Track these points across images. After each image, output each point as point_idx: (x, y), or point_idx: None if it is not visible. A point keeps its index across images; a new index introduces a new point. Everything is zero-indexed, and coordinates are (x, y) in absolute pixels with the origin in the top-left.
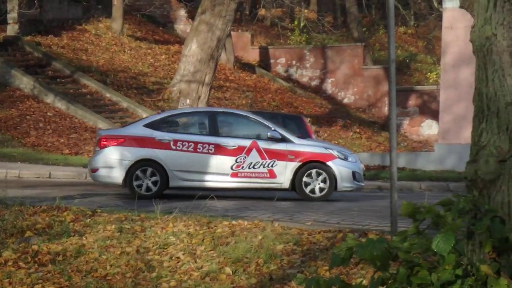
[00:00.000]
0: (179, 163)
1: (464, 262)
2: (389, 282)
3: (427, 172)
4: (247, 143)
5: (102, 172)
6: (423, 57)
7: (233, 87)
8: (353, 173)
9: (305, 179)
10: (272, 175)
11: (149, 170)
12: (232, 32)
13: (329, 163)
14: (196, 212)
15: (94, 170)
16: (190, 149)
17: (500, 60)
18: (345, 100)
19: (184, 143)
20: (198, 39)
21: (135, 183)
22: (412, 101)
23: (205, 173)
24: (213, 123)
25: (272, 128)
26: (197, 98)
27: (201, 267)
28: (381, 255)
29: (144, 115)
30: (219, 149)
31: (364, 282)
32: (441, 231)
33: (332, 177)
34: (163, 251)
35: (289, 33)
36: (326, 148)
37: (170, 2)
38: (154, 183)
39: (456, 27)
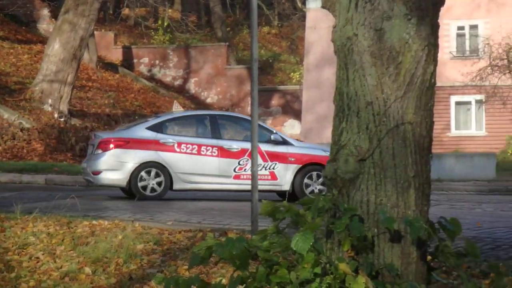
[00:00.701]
0: (183, 165)
1: (323, 260)
2: (249, 281)
3: None
4: (249, 145)
5: (105, 175)
6: (287, 57)
7: (95, 87)
8: None
9: (305, 181)
10: (273, 177)
11: (154, 171)
12: (95, 32)
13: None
14: (57, 212)
15: (96, 173)
16: (194, 151)
17: (361, 60)
18: (208, 100)
19: (188, 146)
20: (61, 38)
21: (139, 185)
22: (275, 101)
23: (208, 175)
24: (214, 126)
25: (274, 131)
26: (59, 98)
27: (61, 267)
28: (241, 254)
29: (5, 115)
30: (222, 152)
31: (224, 281)
32: (300, 230)
33: None
34: (23, 251)
35: (153, 33)
36: (324, 150)
37: (33, 1)
38: (159, 184)
39: (319, 27)
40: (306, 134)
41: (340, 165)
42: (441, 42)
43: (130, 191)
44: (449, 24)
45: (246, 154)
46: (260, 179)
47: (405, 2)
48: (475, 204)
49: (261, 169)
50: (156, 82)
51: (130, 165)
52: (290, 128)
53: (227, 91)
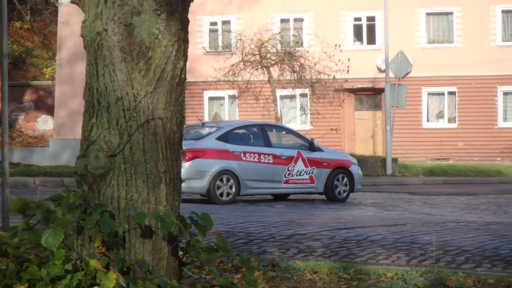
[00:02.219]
0: (248, 172)
1: (73, 257)
2: None
3: (42, 168)
4: (294, 153)
5: (188, 184)
6: (40, 52)
7: None
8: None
9: (335, 183)
10: (312, 181)
11: (226, 179)
12: None
13: (350, 168)
14: None
15: None
16: (255, 159)
17: (110, 55)
18: None
19: (250, 154)
20: None
21: (217, 192)
22: (28, 96)
23: (265, 181)
24: (265, 135)
25: (310, 139)
26: None
27: None
28: None
29: None
30: (275, 159)
31: None
32: (50, 227)
33: (352, 181)
34: None
35: None
36: (345, 156)
37: None
38: (229, 191)
39: (71, 22)
40: (59, 129)
41: (90, 161)
42: (194, 37)
43: (209, 198)
44: (202, 20)
45: (293, 161)
46: (302, 183)
47: None
48: None
49: (303, 174)
50: None
51: (209, 174)
52: (43, 123)
53: None
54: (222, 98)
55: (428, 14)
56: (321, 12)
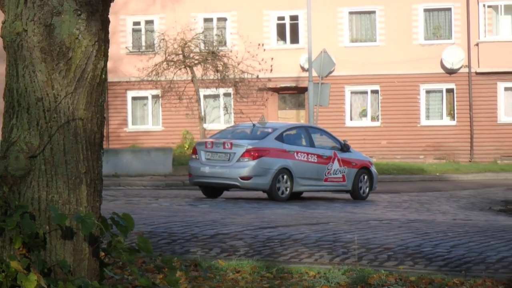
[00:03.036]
0: (299, 170)
1: None
2: None
3: None
4: (331, 153)
5: (254, 180)
6: None
7: None
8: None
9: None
10: (344, 179)
11: (285, 176)
12: None
13: (370, 168)
14: None
15: (246, 178)
16: (304, 158)
17: (30, 56)
18: None
19: (301, 154)
20: None
21: (277, 188)
22: None
23: (311, 178)
24: (309, 136)
25: (342, 141)
26: None
27: None
28: None
29: None
30: (319, 158)
31: None
32: None
33: (371, 180)
34: None
35: None
36: (366, 157)
37: None
38: (286, 188)
39: None
40: None
41: (10, 162)
42: (117, 37)
43: (270, 194)
44: (125, 20)
45: (331, 161)
46: (337, 181)
47: None
48: (151, 199)
49: (338, 173)
50: None
51: (272, 171)
52: None
53: None
54: (145, 98)
55: (351, 13)
56: (244, 11)
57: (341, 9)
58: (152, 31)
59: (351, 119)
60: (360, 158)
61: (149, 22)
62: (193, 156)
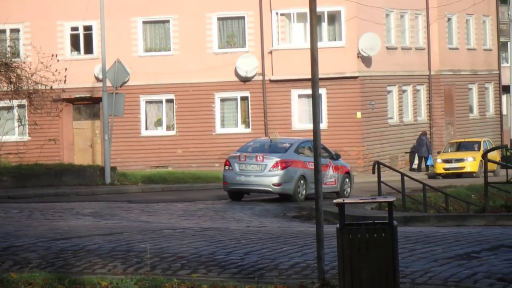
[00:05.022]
0: (311, 177)
1: None
2: None
3: None
4: (327, 162)
5: (283, 186)
6: None
7: None
8: None
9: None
10: (335, 182)
11: (301, 182)
12: None
13: (350, 173)
14: None
15: (277, 185)
16: (313, 167)
17: None
18: None
19: (311, 163)
20: None
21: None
22: None
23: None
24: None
25: (333, 151)
26: None
27: None
28: None
29: None
30: (322, 166)
31: None
32: None
33: (351, 182)
34: None
35: None
36: (346, 164)
37: None
38: (303, 191)
39: None
40: None
41: None
42: None
43: (293, 197)
44: None
45: (328, 167)
46: (331, 184)
47: None
48: None
49: (331, 178)
50: None
51: (295, 178)
52: None
53: None
54: None
55: (145, 22)
56: (37, 22)
57: (135, 18)
58: None
59: (146, 129)
60: (344, 165)
61: None
62: (227, 168)
